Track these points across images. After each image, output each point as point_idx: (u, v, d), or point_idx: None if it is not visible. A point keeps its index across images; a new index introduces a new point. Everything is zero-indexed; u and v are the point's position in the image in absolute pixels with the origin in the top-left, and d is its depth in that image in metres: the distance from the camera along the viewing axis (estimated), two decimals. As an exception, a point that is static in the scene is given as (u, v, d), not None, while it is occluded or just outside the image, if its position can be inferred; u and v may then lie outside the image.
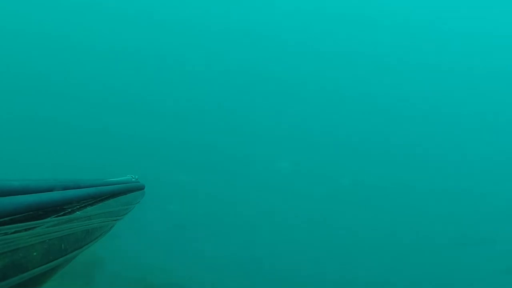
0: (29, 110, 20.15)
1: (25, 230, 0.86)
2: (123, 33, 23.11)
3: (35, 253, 0.85)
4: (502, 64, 22.95)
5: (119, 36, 23.12)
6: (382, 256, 17.75)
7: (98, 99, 21.55)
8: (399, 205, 20.55)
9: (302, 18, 23.80)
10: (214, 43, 23.77)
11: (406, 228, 19.29)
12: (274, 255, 17.03)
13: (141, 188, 2.25)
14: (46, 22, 22.39)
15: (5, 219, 0.85)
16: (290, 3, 23.77)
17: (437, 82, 23.27)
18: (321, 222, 19.25)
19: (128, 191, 1.96)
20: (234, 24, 24.08)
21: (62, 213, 1.14)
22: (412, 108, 23.03)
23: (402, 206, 20.45)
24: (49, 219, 1.02)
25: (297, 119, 22.77)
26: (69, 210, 1.20)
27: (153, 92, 22.67)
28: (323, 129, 22.59)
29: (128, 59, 22.95)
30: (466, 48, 23.35)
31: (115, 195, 1.70)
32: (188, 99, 22.91)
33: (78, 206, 1.28)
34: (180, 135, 21.76)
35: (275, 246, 17.62)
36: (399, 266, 17.13)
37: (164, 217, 17.18)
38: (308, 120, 22.81)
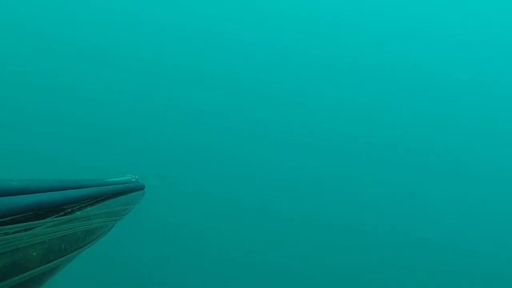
0: (29, 110, 20.16)
1: (25, 230, 0.86)
2: (127, 34, 23.14)
3: (35, 253, 0.85)
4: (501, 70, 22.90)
5: (121, 36, 23.17)
6: (388, 255, 17.72)
7: (98, 98, 21.55)
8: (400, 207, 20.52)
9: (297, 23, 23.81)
10: (214, 44, 23.80)
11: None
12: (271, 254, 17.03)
13: (141, 188, 2.26)
14: (46, 20, 22.45)
15: (5, 219, 0.85)
16: (295, 8, 23.79)
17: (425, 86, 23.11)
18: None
19: (128, 191, 1.96)
20: (233, 26, 24.14)
21: (62, 213, 1.14)
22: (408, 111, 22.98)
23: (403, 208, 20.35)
24: (49, 219, 1.02)
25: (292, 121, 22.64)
26: (69, 210, 1.20)
27: (155, 92, 22.69)
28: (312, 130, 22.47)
29: (127, 59, 22.99)
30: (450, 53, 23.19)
31: (115, 195, 1.70)
32: (188, 99, 22.94)
33: (78, 206, 1.28)
34: (179, 135, 21.80)
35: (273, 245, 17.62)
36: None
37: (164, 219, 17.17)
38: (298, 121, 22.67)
